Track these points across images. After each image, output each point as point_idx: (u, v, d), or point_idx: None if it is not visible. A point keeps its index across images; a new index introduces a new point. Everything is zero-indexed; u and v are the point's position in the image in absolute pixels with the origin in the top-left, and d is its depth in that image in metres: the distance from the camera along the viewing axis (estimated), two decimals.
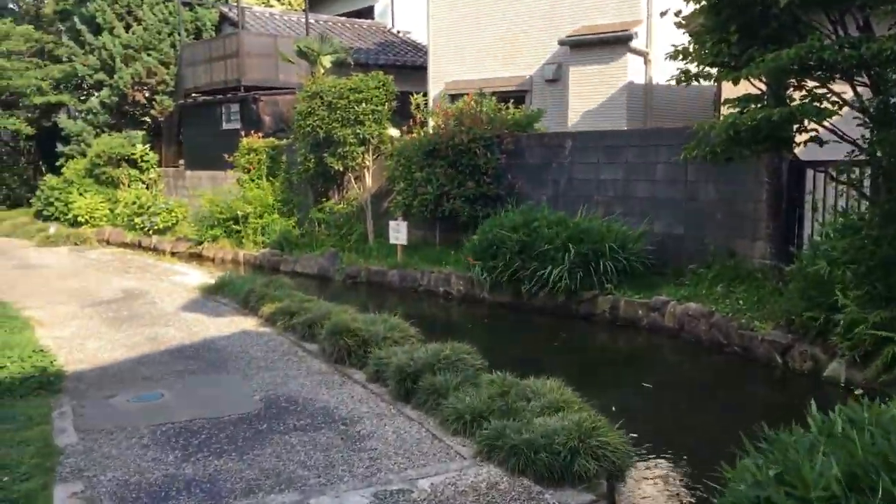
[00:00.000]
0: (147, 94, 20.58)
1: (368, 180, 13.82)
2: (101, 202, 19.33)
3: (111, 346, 7.87)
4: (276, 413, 5.71)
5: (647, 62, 13.80)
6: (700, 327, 8.41)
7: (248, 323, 8.81)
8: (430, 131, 12.60)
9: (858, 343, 6.55)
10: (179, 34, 20.28)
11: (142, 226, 17.49)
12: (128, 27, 20.41)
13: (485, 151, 11.63)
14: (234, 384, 6.53)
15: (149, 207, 17.73)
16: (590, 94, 13.70)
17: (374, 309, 10.65)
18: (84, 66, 20.81)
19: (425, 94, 14.55)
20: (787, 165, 8.96)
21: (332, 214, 14.44)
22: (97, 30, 20.66)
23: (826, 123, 7.42)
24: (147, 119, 21.20)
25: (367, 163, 13.62)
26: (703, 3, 8.20)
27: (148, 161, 20.31)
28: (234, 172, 16.42)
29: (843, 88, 7.49)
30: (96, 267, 13.52)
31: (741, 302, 8.40)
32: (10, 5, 25.35)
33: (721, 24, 7.91)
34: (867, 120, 7.11)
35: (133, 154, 19.92)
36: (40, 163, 25.20)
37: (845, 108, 7.52)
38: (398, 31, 22.88)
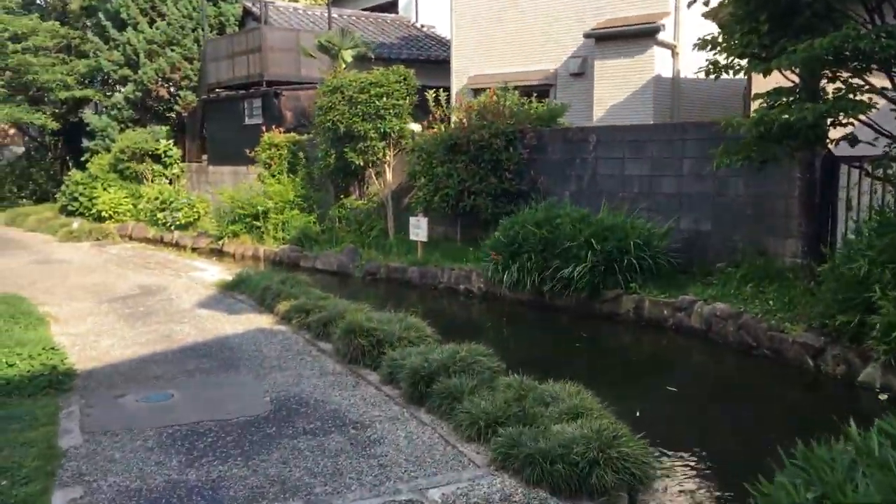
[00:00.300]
0: (171, 90, 20.60)
1: (389, 176, 13.64)
2: (124, 197, 19.38)
3: (124, 343, 7.77)
4: (285, 415, 5.55)
5: (674, 55, 13.46)
6: (728, 328, 8.11)
7: (264, 321, 8.67)
8: (452, 126, 12.38)
9: None
10: (203, 29, 20.25)
11: (164, 221, 17.48)
12: (152, 22, 20.43)
13: (507, 146, 11.39)
14: (245, 384, 6.38)
15: (171, 203, 17.72)
16: (616, 88, 13.39)
17: (392, 307, 10.48)
18: (108, 61, 20.87)
19: (446, 90, 14.30)
20: (821, 160, 8.61)
21: (352, 210, 14.29)
22: (122, 25, 20.71)
23: (862, 117, 7.11)
24: (171, 114, 21.23)
25: (388, 158, 13.45)
26: None
27: (171, 156, 20.34)
28: (255, 168, 16.34)
29: (881, 81, 7.17)
30: (116, 262, 13.49)
31: (771, 302, 8.09)
32: (38, 1, 25.51)
33: (751, 13, 7.61)
34: None
35: (157, 149, 19.97)
36: (67, 158, 25.38)
37: (882, 101, 7.20)
38: (422, 26, 22.68)
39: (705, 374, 7.83)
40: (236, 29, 20.61)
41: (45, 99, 23.71)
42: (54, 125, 23.73)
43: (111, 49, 20.96)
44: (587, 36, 13.72)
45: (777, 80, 7.79)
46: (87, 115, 22.31)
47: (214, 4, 20.87)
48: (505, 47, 15.68)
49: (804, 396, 6.90)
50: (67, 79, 22.55)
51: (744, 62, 8.06)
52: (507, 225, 10.30)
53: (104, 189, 19.59)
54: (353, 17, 21.97)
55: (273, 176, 15.52)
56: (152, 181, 19.94)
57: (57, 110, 24.45)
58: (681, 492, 4.66)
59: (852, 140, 7.24)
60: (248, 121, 18.13)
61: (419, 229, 11.93)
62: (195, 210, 17.31)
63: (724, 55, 8.08)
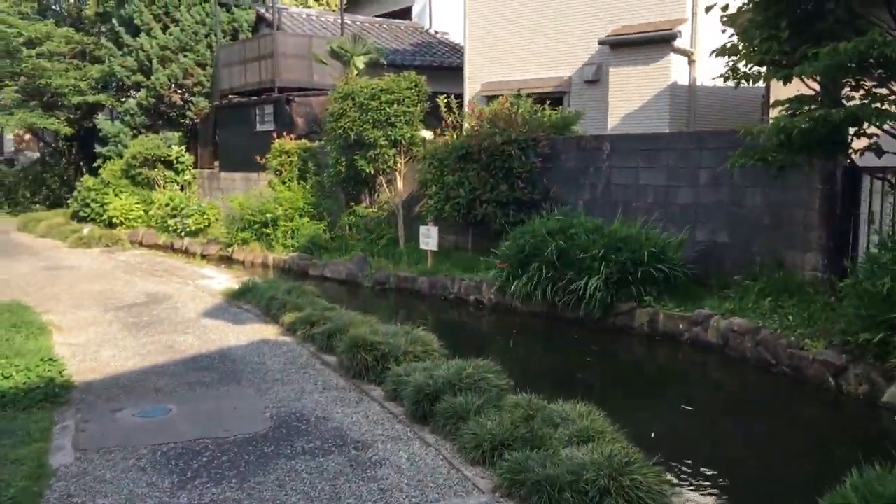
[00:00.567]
0: (183, 96, 20.55)
1: (400, 183, 13.46)
2: (136, 203, 19.32)
3: (126, 354, 7.61)
4: (284, 434, 5.35)
5: (691, 62, 13.20)
6: (746, 344, 7.85)
7: (269, 331, 8.50)
8: (465, 134, 12.19)
9: None
10: (216, 35, 20.21)
11: (174, 227, 17.39)
12: (165, 28, 20.39)
13: (519, 154, 11.18)
14: (245, 399, 6.20)
15: (182, 209, 17.63)
16: (631, 96, 13.16)
17: (400, 318, 10.29)
18: (122, 67, 20.86)
19: (459, 96, 14.13)
20: (842, 171, 8.34)
21: (362, 218, 14.12)
22: (135, 31, 20.69)
23: (887, 126, 6.85)
24: (183, 120, 21.19)
25: (399, 165, 13.27)
26: None
27: (183, 162, 20.28)
28: (266, 174, 16.22)
29: None
30: (124, 269, 13.38)
31: (790, 318, 7.81)
32: (54, 7, 25.61)
33: (771, 19, 7.38)
34: None
35: (169, 155, 19.90)
36: (81, 163, 25.41)
37: None
38: (436, 32, 22.54)
39: (722, 392, 7.56)
40: (249, 35, 20.55)
41: (59, 104, 23.74)
42: (67, 130, 23.77)
43: (125, 55, 20.95)
44: (602, 43, 13.50)
45: (797, 87, 7.55)
46: (100, 120, 22.30)
47: (228, 11, 20.83)
48: (518, 54, 15.49)
49: (826, 417, 6.64)
50: (81, 84, 22.56)
51: (763, 69, 7.84)
52: (518, 234, 10.08)
53: (116, 195, 19.54)
54: (367, 24, 21.87)
55: (283, 183, 15.38)
56: (164, 187, 19.88)
57: (71, 116, 24.50)
58: None
59: (878, 150, 6.98)
60: (259, 127, 18.04)
61: (429, 238, 11.73)
62: (205, 217, 17.21)
63: (744, 62, 7.85)
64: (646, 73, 12.98)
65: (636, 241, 9.34)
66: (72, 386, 6.48)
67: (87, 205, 20.07)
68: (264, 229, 14.72)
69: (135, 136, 20.98)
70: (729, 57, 7.92)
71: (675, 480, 4.81)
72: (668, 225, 9.96)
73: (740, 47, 7.85)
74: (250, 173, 17.58)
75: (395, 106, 12.68)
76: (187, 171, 20.34)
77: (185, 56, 20.09)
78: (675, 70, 12.85)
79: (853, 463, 3.76)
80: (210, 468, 4.74)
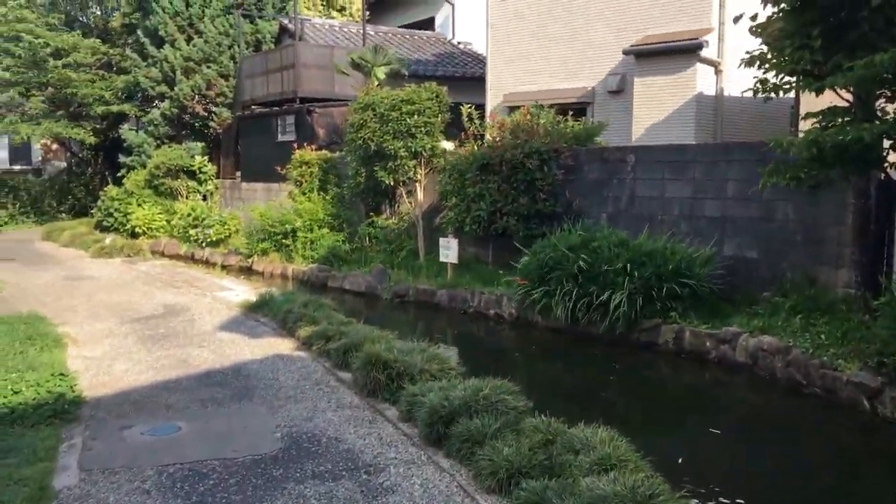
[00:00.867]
0: (206, 106, 20.62)
1: (420, 195, 13.30)
2: (158, 213, 19.36)
3: (139, 368, 7.50)
4: (294, 455, 5.18)
5: (717, 72, 12.93)
6: (776, 364, 7.57)
7: (284, 346, 8.35)
8: (486, 145, 12.00)
9: None
10: (239, 46, 20.26)
11: (196, 238, 17.37)
12: (189, 40, 20.49)
13: (541, 166, 10.97)
14: (257, 417, 6.04)
15: (203, 219, 17.62)
16: (656, 107, 12.91)
17: (419, 332, 10.12)
18: (146, 78, 20.99)
19: (480, 107, 13.95)
20: (877, 185, 8.04)
21: (382, 229, 13.98)
22: (160, 42, 20.82)
23: None
24: (206, 131, 21.25)
25: (419, 177, 13.11)
26: (783, 5, 7.44)
27: (206, 172, 20.31)
28: (287, 185, 16.16)
29: None
30: (144, 280, 13.34)
31: (823, 336, 7.52)
32: (81, 18, 25.86)
33: (802, 28, 7.13)
34: None
35: (192, 165, 19.94)
36: (106, 173, 25.59)
37: None
38: (458, 43, 22.42)
39: (752, 414, 7.25)
40: (272, 46, 20.58)
41: (85, 114, 23.93)
42: (93, 140, 23.96)
43: (149, 66, 21.08)
44: (626, 53, 13.27)
45: (829, 98, 7.29)
46: (125, 130, 22.44)
47: (251, 22, 20.89)
48: (541, 64, 15.31)
49: (861, 441, 6.34)
50: (106, 94, 22.73)
51: (794, 80, 7.59)
52: (539, 249, 9.87)
53: (139, 205, 19.60)
54: (390, 35, 21.82)
55: (304, 194, 15.30)
56: (187, 197, 19.92)
57: (97, 126, 24.70)
58: None
59: None
60: (280, 137, 18.01)
61: (449, 251, 11.55)
62: (226, 227, 17.18)
63: (773, 72, 7.60)
64: (671, 84, 12.72)
65: (661, 255, 9.09)
66: (82, 401, 6.37)
67: (111, 214, 20.15)
68: (284, 240, 14.63)
69: (158, 146, 21.07)
70: (758, 67, 7.67)
71: None
72: (694, 239, 9.69)
73: (769, 56, 7.60)
74: (271, 184, 17.53)
75: (416, 117, 12.54)
76: (210, 182, 20.37)
77: (209, 67, 20.16)
78: (701, 80, 12.58)
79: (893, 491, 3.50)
80: (216, 492, 4.58)
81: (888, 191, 8.00)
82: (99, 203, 21.01)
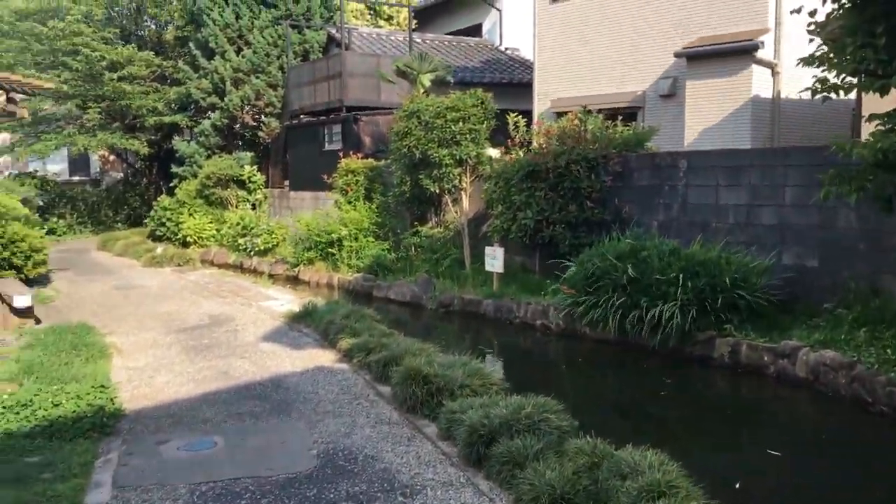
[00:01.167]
0: (255, 116, 20.82)
1: (466, 203, 13.11)
2: (209, 223, 19.59)
3: (181, 380, 7.47)
4: (329, 474, 5.02)
5: (774, 74, 12.44)
6: (839, 380, 7.14)
7: (325, 358, 8.23)
8: (532, 152, 11.75)
9: None
10: (287, 56, 20.41)
11: (244, 247, 17.49)
12: (239, 51, 20.73)
13: (588, 173, 10.68)
14: (294, 433, 5.91)
15: (251, 228, 17.74)
16: (709, 110, 12.48)
17: (464, 343, 9.92)
18: (197, 89, 21.30)
19: (527, 113, 13.70)
20: None
21: (427, 238, 13.83)
22: (210, 54, 21.12)
23: None
24: (255, 140, 21.46)
25: (465, 185, 12.93)
26: (844, 0, 7.04)
27: (255, 182, 20.49)
28: (333, 193, 16.16)
29: None
30: (192, 289, 13.43)
31: (889, 351, 7.07)
32: (137, 32, 26.44)
33: (865, 24, 6.71)
34: None
35: (241, 175, 20.14)
36: (160, 183, 26.08)
37: None
38: (506, 49, 22.22)
39: (814, 434, 6.84)
40: (320, 55, 20.68)
41: (140, 126, 24.42)
42: (146, 151, 24.42)
43: (200, 77, 21.40)
44: (678, 55, 12.88)
45: (894, 99, 6.85)
46: (177, 141, 22.82)
47: (299, 32, 21.04)
48: (589, 69, 15.00)
49: None
50: (159, 106, 23.15)
51: (856, 80, 7.17)
52: (587, 257, 9.57)
53: (190, 214, 19.87)
54: (437, 42, 21.73)
55: (349, 202, 15.26)
56: (236, 206, 20.12)
57: (152, 137, 25.19)
58: None
59: None
60: (327, 146, 18.04)
61: (495, 260, 11.32)
62: (274, 236, 17.25)
63: (834, 72, 7.19)
64: (726, 86, 12.29)
65: (716, 265, 8.72)
66: (121, 414, 6.34)
67: (163, 224, 20.48)
68: (329, 249, 14.60)
69: (209, 156, 21.35)
70: (817, 66, 7.27)
71: None
72: (750, 248, 9.28)
73: (830, 56, 7.19)
74: (319, 192, 17.56)
75: (461, 124, 12.35)
76: (259, 191, 20.54)
77: (258, 77, 20.36)
78: (756, 82, 12.12)
79: None
80: None
81: None
82: (152, 213, 21.37)
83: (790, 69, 12.40)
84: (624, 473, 4.46)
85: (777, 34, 12.30)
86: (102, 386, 6.69)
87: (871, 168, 6.64)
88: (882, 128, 6.76)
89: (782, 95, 12.45)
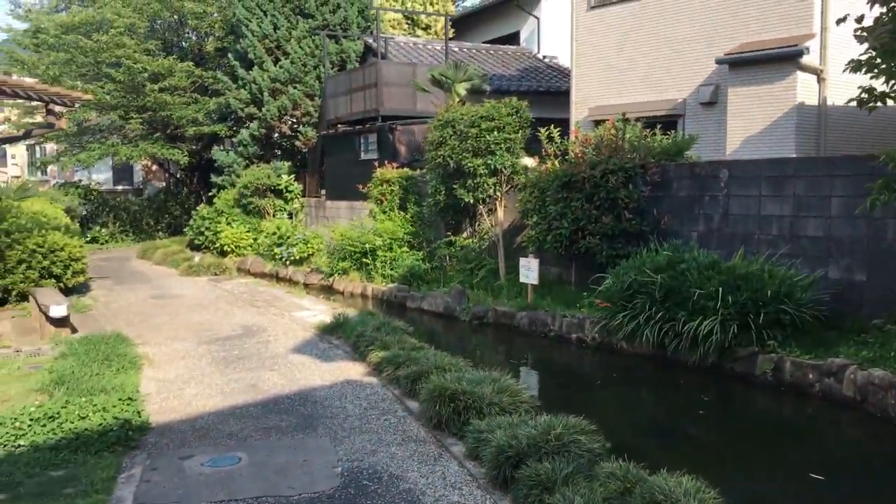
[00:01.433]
0: (292, 126, 20.92)
1: (500, 213, 12.93)
2: (246, 232, 19.70)
3: (209, 392, 7.42)
4: (352, 495, 4.88)
5: (820, 81, 12.04)
6: (888, 401, 6.80)
7: (354, 371, 8.12)
8: (569, 161, 11.52)
9: None
10: (324, 66, 20.49)
11: (280, 256, 17.54)
12: (276, 61, 20.88)
13: (626, 183, 10.43)
14: (319, 449, 5.78)
15: (287, 238, 17.78)
16: (752, 118, 12.13)
17: (496, 357, 9.75)
18: (236, 99, 21.50)
19: (565, 121, 13.48)
20: None
21: (461, 248, 13.68)
22: (249, 65, 21.31)
23: None
24: (293, 150, 21.57)
25: (499, 195, 12.75)
26: (893, 4, 6.73)
27: (292, 191, 20.59)
28: (368, 203, 16.12)
29: None
30: (227, 299, 13.47)
31: None
32: (178, 43, 26.85)
33: None
34: None
35: (278, 184, 20.25)
36: (201, 192, 26.39)
37: None
38: (543, 57, 22.04)
39: (860, 457, 6.51)
40: (357, 65, 20.72)
41: (181, 136, 24.75)
42: (185, 160, 24.73)
43: (239, 88, 21.60)
44: (720, 62, 12.56)
45: None
46: (215, 151, 23.05)
47: (336, 42, 21.11)
48: (628, 76, 14.73)
49: None
50: (198, 116, 23.43)
51: None
52: (623, 270, 9.33)
53: (228, 224, 20.01)
54: (474, 51, 21.64)
55: (384, 212, 15.19)
56: (273, 216, 20.22)
57: (193, 147, 25.53)
58: None
59: None
60: (363, 156, 18.03)
61: (529, 271, 11.12)
62: (309, 245, 17.26)
63: (883, 79, 6.88)
64: (769, 94, 11.93)
65: (758, 278, 8.41)
66: (148, 427, 6.30)
67: (202, 233, 20.67)
68: (364, 259, 14.54)
69: (247, 165, 21.52)
70: (864, 72, 6.96)
71: None
72: (794, 261, 8.94)
73: (878, 62, 6.89)
74: (354, 202, 17.55)
75: (496, 133, 12.19)
76: (295, 200, 20.63)
77: (295, 87, 20.47)
78: (801, 89, 11.74)
79: None
80: None
81: None
82: (191, 222, 21.59)
83: (837, 75, 12.02)
84: (657, 501, 4.24)
85: (823, 39, 11.92)
86: (130, 398, 6.65)
87: None
88: None
89: (829, 102, 12.05)
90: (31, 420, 6.02)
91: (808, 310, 8.21)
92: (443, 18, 22.59)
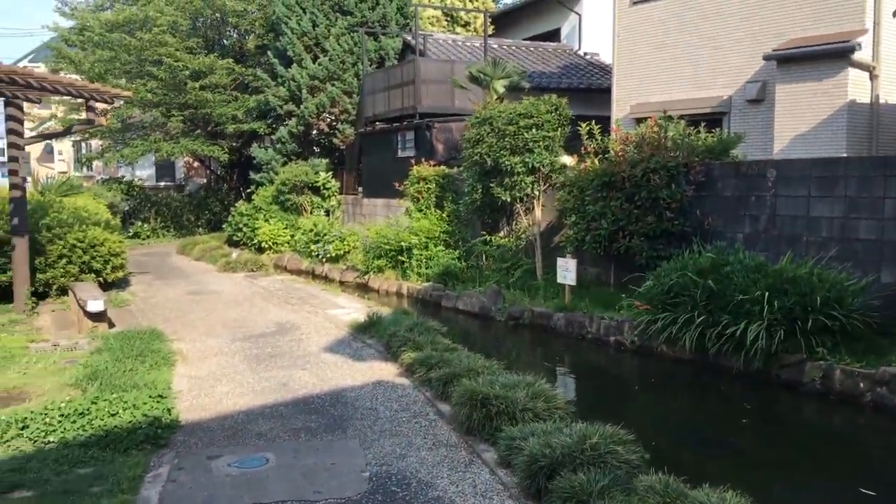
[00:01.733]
0: (330, 123, 20.92)
1: (538, 212, 12.70)
2: (283, 229, 19.75)
3: (240, 390, 7.35)
4: (379, 501, 4.74)
5: (872, 78, 11.59)
6: None
7: (386, 371, 7.99)
8: (608, 159, 11.24)
9: None
10: (363, 64, 20.45)
11: (316, 253, 17.53)
12: (315, 59, 20.89)
13: (668, 182, 10.13)
14: (348, 452, 5.66)
15: (324, 235, 17.76)
16: (801, 116, 11.72)
17: (531, 359, 9.56)
18: (275, 97, 21.58)
19: (606, 119, 13.19)
20: None
21: (497, 248, 13.48)
22: (288, 62, 21.37)
23: None
24: (331, 147, 21.57)
25: (537, 193, 12.52)
26: None
27: (329, 188, 20.59)
28: (405, 201, 16.02)
29: None
30: (262, 296, 13.46)
31: None
32: (220, 41, 27.07)
33: None
34: None
35: (316, 181, 20.26)
36: (240, 189, 26.59)
37: None
38: (585, 54, 21.71)
39: None
40: (395, 62, 20.64)
41: (222, 133, 24.94)
42: (224, 157, 24.91)
43: (278, 85, 21.67)
44: (767, 58, 12.16)
45: None
46: (254, 148, 23.18)
47: (375, 39, 21.05)
48: (671, 73, 14.38)
49: None
50: (238, 113, 23.58)
51: None
52: (664, 272, 9.06)
53: (265, 220, 20.08)
54: (514, 48, 21.41)
55: (420, 210, 15.06)
56: (311, 213, 20.24)
57: (233, 144, 25.72)
58: None
59: None
60: (401, 153, 17.93)
61: (567, 272, 10.88)
62: (345, 243, 17.22)
63: None
64: (819, 91, 11.51)
65: (806, 282, 8.07)
66: (177, 426, 6.24)
67: (240, 229, 20.78)
68: (399, 257, 14.42)
69: (285, 163, 21.58)
70: None
71: None
72: (845, 264, 8.58)
73: None
74: (391, 199, 17.47)
75: (534, 131, 11.97)
76: (333, 197, 20.62)
77: (333, 85, 20.46)
78: (853, 87, 11.30)
79: None
80: None
81: None
82: (229, 218, 21.72)
83: (890, 72, 11.57)
84: None
85: (876, 35, 11.48)
86: (160, 395, 6.61)
87: None
88: None
89: (881, 100, 11.59)
90: (62, 416, 6.00)
91: (859, 316, 7.87)
92: (482, 15, 22.41)
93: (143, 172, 33.51)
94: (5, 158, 13.11)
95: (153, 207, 27.57)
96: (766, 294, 8.03)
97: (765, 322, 7.88)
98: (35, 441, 5.71)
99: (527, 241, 13.07)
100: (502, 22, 24.42)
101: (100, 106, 12.72)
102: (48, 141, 32.59)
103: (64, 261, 12.43)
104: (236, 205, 22.15)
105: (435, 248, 14.25)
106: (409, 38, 20.75)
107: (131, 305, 12.40)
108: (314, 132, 21.24)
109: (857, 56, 11.21)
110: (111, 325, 10.37)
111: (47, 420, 5.93)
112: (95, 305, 9.94)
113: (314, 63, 20.73)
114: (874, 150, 11.44)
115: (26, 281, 11.38)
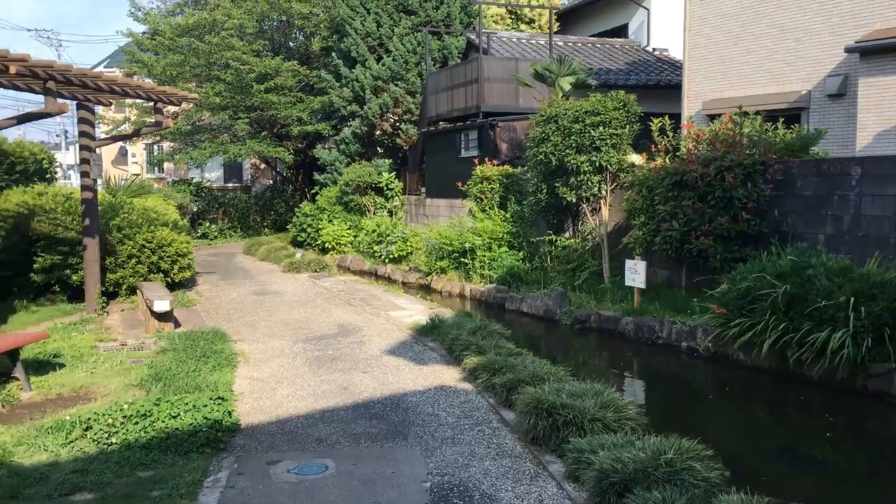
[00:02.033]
0: (393, 123, 20.89)
1: (605, 213, 12.34)
2: (346, 229, 19.81)
3: (301, 394, 7.26)
4: None
5: None
6: None
7: (449, 376, 7.80)
8: (679, 157, 10.82)
9: None
10: (426, 63, 20.34)
11: (379, 254, 17.50)
12: (378, 59, 20.90)
13: (744, 181, 9.66)
14: (408, 461, 5.48)
15: (387, 236, 17.72)
16: (887, 111, 11.06)
17: (599, 365, 9.25)
18: (339, 98, 21.67)
19: (676, 116, 12.73)
20: None
21: (563, 249, 13.16)
22: (352, 63, 21.43)
23: None
24: (394, 147, 21.55)
25: (604, 193, 12.16)
26: None
27: (392, 189, 20.58)
28: (468, 201, 15.83)
29: None
30: (325, 297, 13.45)
31: None
32: (286, 43, 27.39)
33: None
34: None
35: (379, 182, 20.28)
36: (305, 190, 26.86)
37: None
38: (653, 49, 21.15)
39: None
40: (459, 61, 20.47)
41: (286, 134, 25.22)
42: (289, 158, 25.18)
43: (342, 86, 21.76)
44: (850, 51, 11.52)
45: None
46: (318, 149, 23.34)
47: (438, 38, 20.93)
48: (745, 67, 13.80)
49: None
50: (303, 115, 23.79)
51: None
52: (740, 275, 8.62)
53: (329, 221, 20.18)
54: (579, 44, 21.01)
55: (483, 210, 14.85)
56: (374, 213, 20.26)
57: (298, 145, 26.00)
58: None
59: None
60: (464, 153, 17.76)
61: (636, 274, 10.50)
62: (408, 244, 17.13)
63: None
64: None
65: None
66: (237, 429, 6.17)
67: (304, 230, 20.95)
68: (462, 258, 14.24)
69: (349, 163, 21.67)
70: None
71: None
72: None
73: None
74: (454, 200, 17.31)
75: (601, 128, 11.62)
76: (396, 198, 20.61)
77: (396, 85, 20.42)
78: None
79: None
80: None
81: None
82: (294, 219, 21.92)
83: None
84: None
85: None
86: (221, 398, 6.55)
87: None
88: None
89: None
90: (125, 418, 5.98)
91: None
92: (547, 12, 22.06)
93: (212, 174, 34.24)
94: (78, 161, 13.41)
95: (221, 208, 28.08)
96: (852, 299, 7.54)
97: (850, 329, 7.40)
98: (98, 442, 5.71)
99: (593, 242, 12.72)
100: (567, 19, 24.03)
101: (169, 108, 12.92)
102: (122, 144, 33.61)
103: (133, 261, 12.64)
104: (300, 205, 22.35)
105: (498, 249, 14.01)
106: (472, 36, 20.56)
107: (197, 305, 12.54)
108: (377, 132, 21.25)
109: None
110: (177, 324, 10.46)
111: (110, 421, 5.92)
112: (161, 305, 10.03)
113: (378, 63, 20.73)
114: None
115: (97, 281, 11.60)
